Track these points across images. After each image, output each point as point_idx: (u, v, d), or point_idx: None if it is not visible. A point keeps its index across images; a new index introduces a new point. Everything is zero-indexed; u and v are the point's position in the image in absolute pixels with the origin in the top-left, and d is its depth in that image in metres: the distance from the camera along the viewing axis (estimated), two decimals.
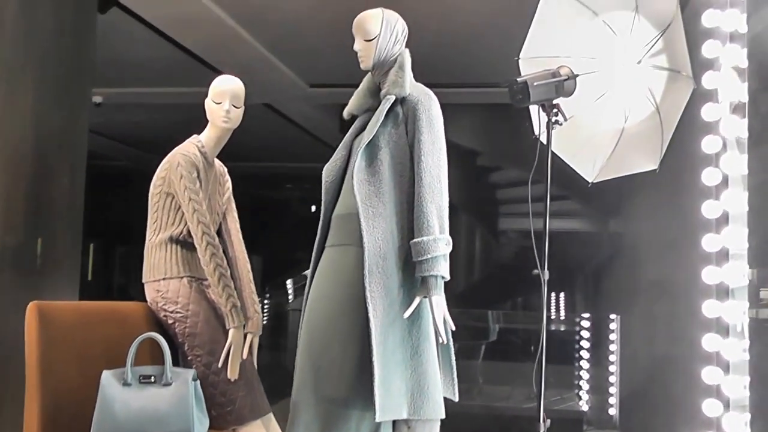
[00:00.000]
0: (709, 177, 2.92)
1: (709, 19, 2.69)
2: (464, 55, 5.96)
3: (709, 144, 2.78)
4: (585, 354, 6.65)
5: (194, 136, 3.21)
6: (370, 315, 2.55)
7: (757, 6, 2.22)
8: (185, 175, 3.02)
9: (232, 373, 2.92)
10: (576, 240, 8.75)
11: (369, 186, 2.69)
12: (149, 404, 2.64)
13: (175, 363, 3.08)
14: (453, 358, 2.76)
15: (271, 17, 5.36)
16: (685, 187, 3.54)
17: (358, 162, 2.70)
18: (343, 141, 2.91)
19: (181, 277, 3.05)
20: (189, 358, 2.98)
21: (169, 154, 3.15)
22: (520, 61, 3.23)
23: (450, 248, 2.66)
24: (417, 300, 2.64)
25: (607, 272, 7.73)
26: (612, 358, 6.34)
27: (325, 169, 2.89)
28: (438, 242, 2.61)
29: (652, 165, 2.94)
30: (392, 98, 2.74)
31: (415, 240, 2.62)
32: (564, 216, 8.81)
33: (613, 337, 6.34)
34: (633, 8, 2.98)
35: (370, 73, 2.91)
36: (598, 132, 3.10)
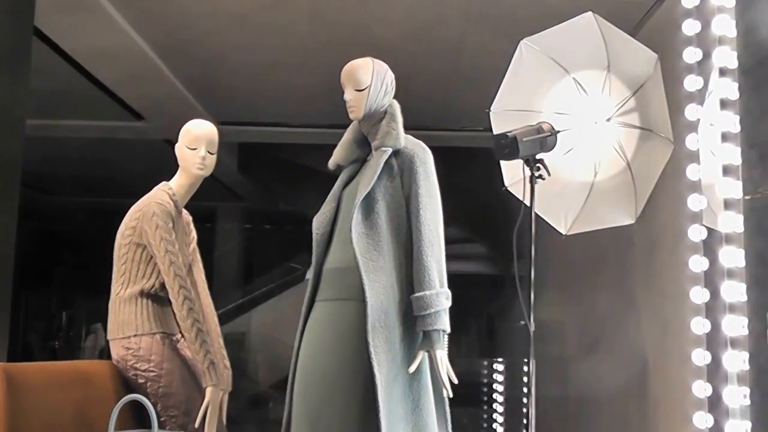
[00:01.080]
0: None
1: (690, 83, 2.84)
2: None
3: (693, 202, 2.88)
4: (499, 397, 6.77)
5: (163, 183, 3.05)
6: (375, 371, 2.50)
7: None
8: (161, 225, 2.86)
9: None
10: (485, 282, 8.91)
11: (367, 239, 2.64)
12: None
13: (143, 424, 2.91)
14: (448, 410, 2.74)
15: (194, 53, 5.21)
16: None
17: (356, 215, 2.65)
18: (331, 193, 2.85)
19: (153, 334, 2.87)
20: (162, 419, 2.81)
21: (139, 202, 2.98)
22: (491, 114, 3.28)
23: (450, 302, 2.65)
24: (420, 354, 2.62)
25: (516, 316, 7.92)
26: (524, 400, 6.49)
27: (315, 220, 2.81)
28: (440, 296, 2.60)
29: (628, 219, 3.05)
30: (389, 150, 2.71)
31: (417, 294, 2.59)
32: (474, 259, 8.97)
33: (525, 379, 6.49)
34: (605, 67, 3.10)
35: (355, 123, 2.87)
36: (567, 185, 3.19)
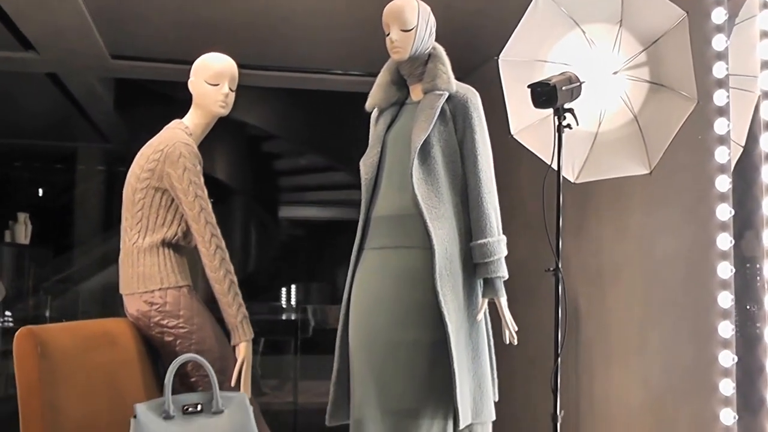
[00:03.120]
0: None
1: (718, 42, 2.97)
2: (281, 37, 5.78)
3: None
4: None
5: (177, 121, 2.78)
6: (446, 320, 2.46)
7: None
8: (189, 167, 2.61)
9: (246, 391, 2.60)
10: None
11: (427, 185, 2.56)
12: None
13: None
14: (494, 358, 2.74)
15: None
16: None
17: (416, 160, 2.55)
18: (374, 136, 2.72)
19: (180, 287, 2.64)
20: (193, 379, 2.60)
21: (156, 142, 2.70)
22: (500, 61, 3.25)
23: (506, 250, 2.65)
24: (485, 302, 2.61)
25: None
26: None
27: (363, 164, 2.68)
28: (500, 243, 2.59)
29: (642, 169, 3.14)
30: (445, 94, 2.63)
31: (479, 242, 2.56)
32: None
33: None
34: (617, 22, 3.15)
35: (391, 64, 2.75)
36: (571, 135, 3.23)
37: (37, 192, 10.19)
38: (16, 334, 2.23)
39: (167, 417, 2.25)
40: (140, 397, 2.54)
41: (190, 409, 2.29)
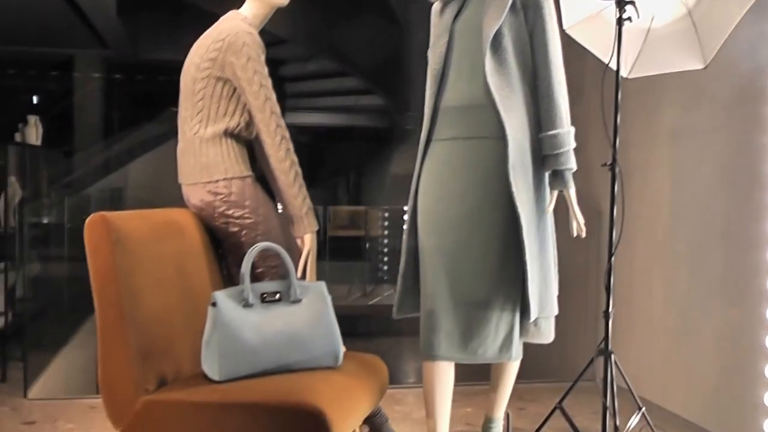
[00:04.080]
0: None
1: None
2: None
3: None
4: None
5: (234, 12, 2.68)
6: (519, 210, 2.44)
7: None
8: (254, 57, 2.53)
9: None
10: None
11: (499, 75, 2.51)
12: (286, 327, 2.25)
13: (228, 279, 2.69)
14: (556, 253, 2.75)
15: None
16: None
17: (488, 50, 2.49)
18: (441, 26, 2.64)
19: (244, 177, 2.59)
20: (260, 269, 2.58)
21: (215, 32, 2.60)
22: None
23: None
24: (555, 194, 2.59)
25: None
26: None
27: (431, 54, 2.61)
28: (570, 135, 2.56)
29: (697, 64, 3.10)
30: None
31: (549, 133, 2.53)
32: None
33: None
34: None
35: None
36: (623, 30, 3.18)
37: (43, 97, 9.97)
38: (88, 220, 2.18)
39: (247, 305, 2.23)
40: (207, 287, 2.52)
41: (268, 298, 2.27)
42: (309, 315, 2.29)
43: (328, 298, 2.33)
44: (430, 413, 2.47)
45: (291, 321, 2.26)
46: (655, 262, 4.22)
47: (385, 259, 8.08)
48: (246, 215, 2.56)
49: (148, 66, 8.61)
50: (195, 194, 2.60)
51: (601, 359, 3.09)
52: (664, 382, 4.03)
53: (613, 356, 3.10)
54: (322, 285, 2.36)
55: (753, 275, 3.48)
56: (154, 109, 8.12)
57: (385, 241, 8.11)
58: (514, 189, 2.44)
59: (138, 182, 7.72)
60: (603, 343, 3.13)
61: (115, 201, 7.33)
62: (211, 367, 2.20)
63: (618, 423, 2.96)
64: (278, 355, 2.22)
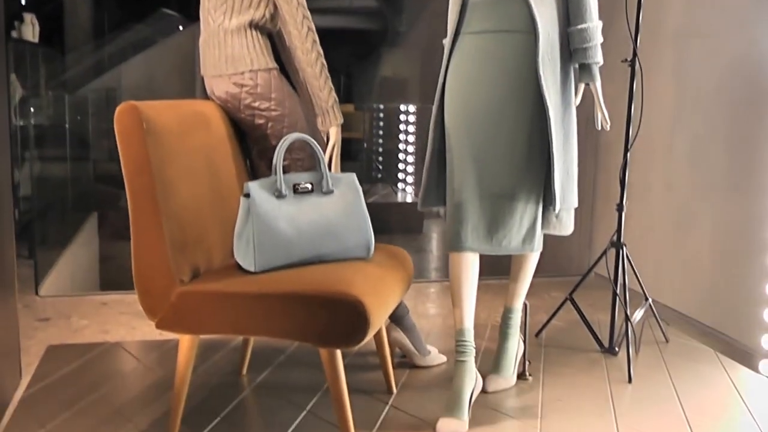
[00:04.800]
0: None
1: None
2: None
3: None
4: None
5: None
6: (547, 102, 2.43)
7: None
8: None
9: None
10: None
11: None
12: (319, 217, 2.25)
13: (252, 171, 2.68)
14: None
15: None
16: None
17: None
18: None
19: (270, 69, 2.55)
20: (286, 162, 2.57)
21: None
22: None
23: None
24: (582, 87, 2.59)
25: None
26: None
27: None
28: (598, 29, 2.52)
29: None
30: None
31: (578, 27, 2.49)
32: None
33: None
34: None
35: None
36: None
37: None
38: (118, 109, 2.14)
39: (280, 196, 2.22)
40: (233, 180, 2.52)
41: (301, 189, 2.27)
42: (341, 206, 2.29)
43: (360, 190, 2.33)
44: (456, 303, 2.51)
45: (324, 212, 2.26)
46: (655, 158, 4.25)
47: (380, 159, 8.07)
48: (272, 107, 2.53)
49: None
50: (219, 86, 2.56)
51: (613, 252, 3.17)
52: (662, 277, 4.12)
53: (625, 248, 3.17)
54: (353, 177, 2.35)
55: (752, 170, 3.52)
56: (145, 9, 7.91)
57: (380, 141, 8.10)
58: (543, 82, 2.42)
59: (131, 83, 7.57)
60: (615, 236, 3.20)
61: (111, 101, 7.19)
62: (245, 258, 2.21)
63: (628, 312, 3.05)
64: (312, 245, 2.24)
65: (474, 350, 2.50)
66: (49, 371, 2.77)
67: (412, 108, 7.09)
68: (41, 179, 4.80)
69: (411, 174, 7.01)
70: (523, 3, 2.42)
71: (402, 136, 7.04)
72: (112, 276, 4.72)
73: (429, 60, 5.68)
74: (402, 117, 7.00)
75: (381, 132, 8.19)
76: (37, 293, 4.20)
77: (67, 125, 5.34)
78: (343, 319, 2.02)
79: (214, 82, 2.57)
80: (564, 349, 3.22)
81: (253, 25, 2.52)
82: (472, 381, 2.46)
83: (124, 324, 3.79)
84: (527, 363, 2.86)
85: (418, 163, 7.03)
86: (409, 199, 7.09)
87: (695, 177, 3.93)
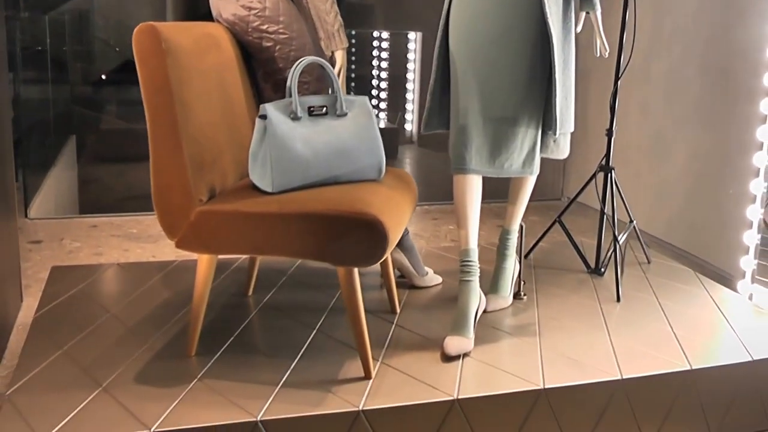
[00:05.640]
0: None
1: None
2: None
3: None
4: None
5: None
6: (551, 30, 2.47)
7: None
8: None
9: None
10: None
11: None
12: (333, 139, 2.29)
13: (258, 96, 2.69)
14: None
15: None
16: None
17: None
18: None
19: None
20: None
21: None
22: None
23: None
24: (583, 15, 2.64)
25: None
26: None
27: None
28: None
29: None
30: None
31: None
32: None
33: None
34: None
35: None
36: None
37: None
38: (137, 29, 2.12)
39: (295, 117, 2.25)
40: (242, 101, 2.53)
41: (315, 111, 2.30)
42: (355, 128, 2.33)
43: (372, 112, 2.37)
44: (462, 224, 2.58)
45: (338, 134, 2.30)
46: (632, 87, 4.33)
47: (353, 84, 8.04)
48: (280, 30, 2.54)
49: None
50: (227, 8, 2.55)
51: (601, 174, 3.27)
52: (638, 202, 4.24)
53: (613, 172, 3.27)
54: (366, 99, 2.38)
55: (724, 102, 3.63)
56: None
57: (353, 67, 8.06)
58: (546, 10, 2.46)
59: (103, 3, 7.41)
60: (604, 160, 3.30)
61: (84, 23, 7.02)
62: (262, 178, 2.25)
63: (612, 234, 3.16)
64: (328, 166, 2.28)
65: (478, 270, 2.59)
66: (56, 293, 2.80)
67: (385, 35, 7.06)
68: (24, 102, 4.73)
69: (384, 100, 7.01)
70: None
71: (375, 62, 7.01)
72: (92, 199, 4.71)
73: None
74: (375, 43, 6.95)
75: (354, 58, 8.15)
76: (26, 216, 4.19)
77: (47, 48, 5.23)
78: (363, 237, 2.09)
79: (221, 5, 2.56)
80: (554, 270, 3.34)
81: None
82: (476, 300, 2.56)
83: (116, 246, 3.83)
84: (522, 283, 2.97)
85: (391, 89, 7.02)
86: (382, 125, 7.12)
87: (670, 105, 4.03)
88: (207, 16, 2.65)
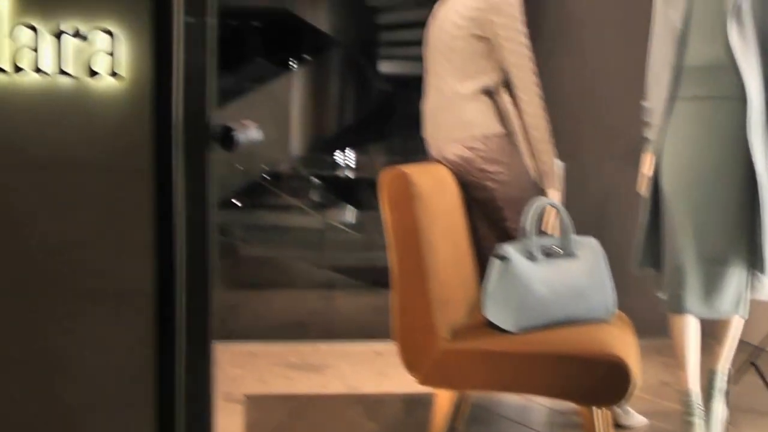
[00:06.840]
0: None
1: None
2: None
3: None
4: None
5: None
6: (757, 168, 2.53)
7: None
8: (517, 16, 2.59)
9: None
10: None
11: (739, 37, 2.56)
12: (569, 280, 2.34)
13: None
14: None
15: None
16: None
17: (731, 11, 2.54)
18: None
19: (502, 135, 2.67)
20: (506, 223, 2.67)
21: None
22: None
23: None
24: None
25: None
26: None
27: (674, 12, 2.64)
28: None
29: None
30: None
31: None
32: None
33: None
34: None
35: None
36: None
37: None
38: (388, 174, 2.25)
39: (532, 258, 2.32)
40: (465, 237, 2.63)
41: (551, 252, 2.36)
42: (586, 268, 2.38)
43: (602, 253, 2.41)
44: (682, 365, 2.57)
45: (573, 274, 2.35)
46: None
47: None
48: (501, 171, 2.64)
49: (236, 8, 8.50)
50: (451, 149, 2.67)
51: None
52: None
53: None
54: (595, 241, 2.44)
55: None
56: (242, 57, 8.13)
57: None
58: (753, 149, 2.53)
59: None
60: None
61: None
62: (502, 317, 2.29)
63: None
64: (565, 306, 2.32)
65: (701, 411, 2.55)
66: (260, 423, 2.84)
67: None
68: None
69: None
70: (734, 70, 2.53)
71: None
72: (241, 324, 4.78)
73: None
74: None
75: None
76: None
77: None
78: (609, 378, 2.12)
79: (446, 146, 2.68)
80: (753, 413, 3.18)
81: (485, 91, 2.65)
82: None
83: (278, 375, 3.86)
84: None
85: None
86: None
87: None
88: None
